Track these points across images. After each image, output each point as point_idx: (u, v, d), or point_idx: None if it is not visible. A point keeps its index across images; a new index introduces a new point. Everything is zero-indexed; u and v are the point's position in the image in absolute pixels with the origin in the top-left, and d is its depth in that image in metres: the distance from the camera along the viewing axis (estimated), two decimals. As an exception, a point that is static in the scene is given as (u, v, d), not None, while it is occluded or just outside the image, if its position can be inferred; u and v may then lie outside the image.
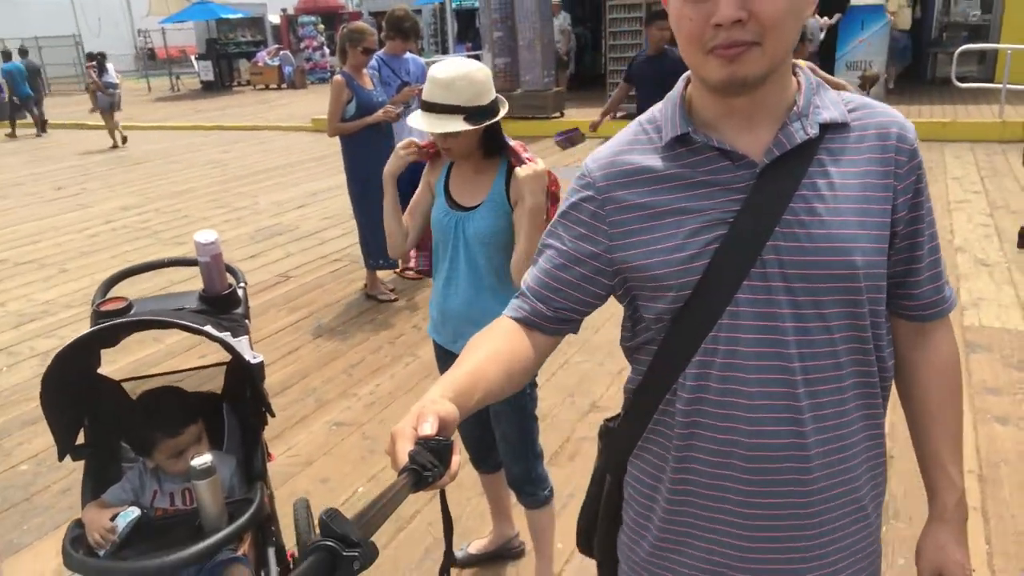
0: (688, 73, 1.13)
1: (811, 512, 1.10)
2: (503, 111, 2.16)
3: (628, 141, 1.17)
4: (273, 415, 2.17)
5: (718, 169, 1.07)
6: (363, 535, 0.74)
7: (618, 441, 1.27)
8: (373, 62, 5.36)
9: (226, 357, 2.19)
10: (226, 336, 2.01)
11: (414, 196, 2.41)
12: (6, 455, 3.63)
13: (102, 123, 14.34)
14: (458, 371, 1.08)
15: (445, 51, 17.26)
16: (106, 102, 13.68)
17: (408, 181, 2.52)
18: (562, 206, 1.20)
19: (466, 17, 18.29)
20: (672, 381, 1.13)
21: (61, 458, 1.98)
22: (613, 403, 3.78)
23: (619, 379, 3.97)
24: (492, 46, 12.62)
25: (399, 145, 2.32)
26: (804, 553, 1.12)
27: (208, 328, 1.96)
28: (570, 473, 3.23)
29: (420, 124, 2.09)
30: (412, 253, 2.54)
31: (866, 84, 10.38)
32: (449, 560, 1.15)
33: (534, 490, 2.42)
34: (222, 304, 2.24)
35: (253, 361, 2.06)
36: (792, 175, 1.05)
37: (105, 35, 31.47)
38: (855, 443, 1.11)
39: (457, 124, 2.05)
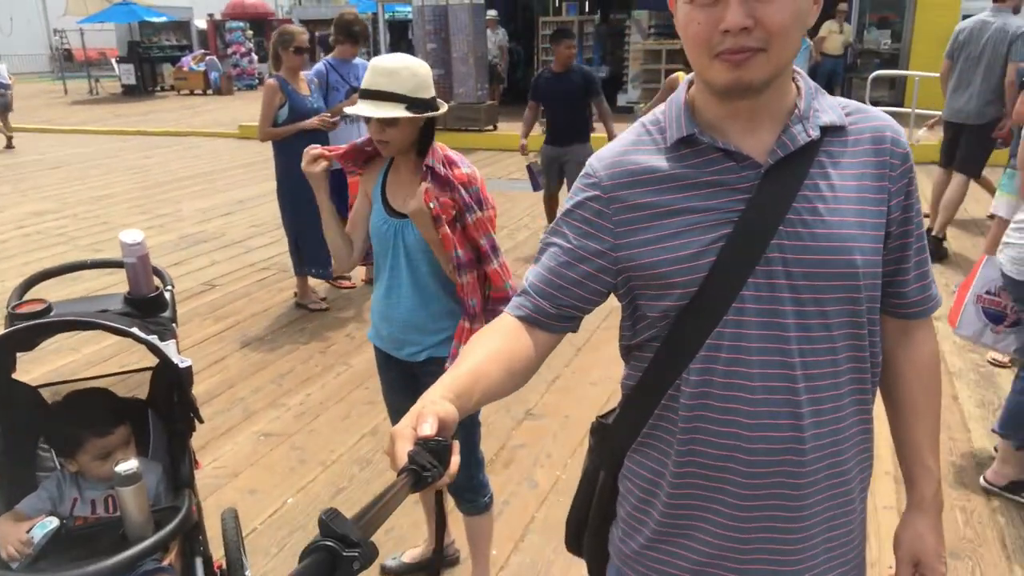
0: (690, 76, 1.16)
1: (803, 504, 1.14)
2: (442, 110, 2.16)
3: (632, 142, 1.19)
4: (201, 421, 2.10)
5: (723, 170, 1.10)
6: (363, 535, 0.74)
7: (615, 437, 1.27)
8: (320, 66, 5.29)
9: (152, 362, 2.11)
10: (153, 339, 1.94)
11: (353, 208, 2.37)
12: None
13: (12, 124, 13.67)
14: (458, 371, 1.08)
15: (377, 61, 17.10)
16: None
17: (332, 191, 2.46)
18: (567, 204, 1.21)
19: (399, 28, 18.24)
20: (676, 377, 1.14)
21: (-30, 466, 1.87)
22: (548, 410, 3.80)
23: (553, 387, 4.00)
24: (426, 58, 12.61)
25: (304, 158, 2.22)
26: (795, 545, 1.16)
27: (135, 330, 1.89)
28: (505, 480, 3.23)
29: (361, 109, 2.05)
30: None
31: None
32: (440, 558, 1.13)
33: (475, 496, 2.41)
34: (149, 307, 2.17)
35: (182, 365, 2.00)
36: (795, 176, 1.09)
37: (17, 33, 30.12)
38: (848, 436, 1.15)
39: (398, 111, 2.03)
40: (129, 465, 1.70)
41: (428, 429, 0.90)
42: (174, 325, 2.20)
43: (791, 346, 1.09)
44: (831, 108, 1.13)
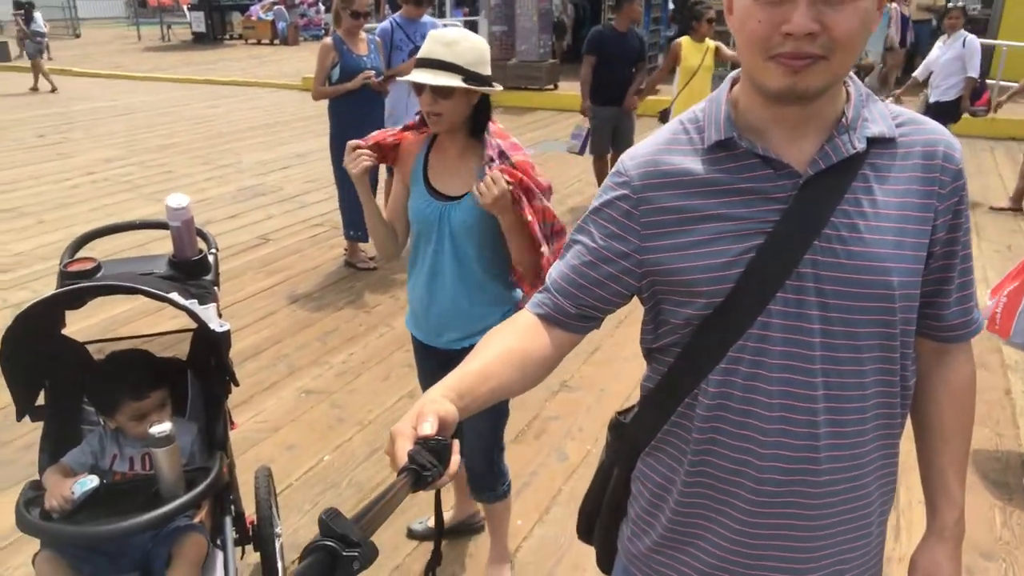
0: (735, 73, 1.11)
1: (815, 525, 1.12)
2: (498, 89, 2.09)
3: (667, 140, 1.14)
4: (237, 384, 2.17)
5: (760, 177, 1.05)
6: (363, 535, 0.75)
7: (631, 437, 1.27)
8: (387, 24, 5.22)
9: (193, 323, 2.18)
10: (192, 304, 2.00)
11: (390, 200, 2.31)
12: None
13: (87, 70, 14.08)
14: (465, 370, 1.08)
15: (442, 15, 17.00)
16: (33, 48, 14.61)
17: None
18: (595, 202, 1.18)
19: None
20: (694, 386, 1.12)
21: (19, 418, 1.97)
22: (584, 383, 3.81)
23: (591, 360, 4.00)
24: (489, 13, 12.46)
25: (346, 155, 2.12)
26: (805, 564, 1.14)
27: (173, 295, 1.95)
28: (535, 452, 3.26)
29: (417, 76, 1.97)
30: None
31: (861, 74, 10.34)
32: (436, 559, 1.15)
33: (494, 485, 2.42)
34: (191, 270, 2.23)
35: (219, 330, 2.05)
36: (836, 189, 1.04)
37: (95, -21, 30.74)
38: (870, 461, 1.11)
39: (456, 80, 1.95)
40: (163, 428, 1.78)
41: (428, 428, 0.91)
42: (216, 288, 2.26)
43: (815, 365, 1.05)
44: (881, 118, 1.07)
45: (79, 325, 2.19)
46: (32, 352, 1.99)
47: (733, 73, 1.12)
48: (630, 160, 1.15)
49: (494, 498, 2.45)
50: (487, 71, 2.04)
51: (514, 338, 1.16)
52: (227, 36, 24.12)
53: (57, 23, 26.19)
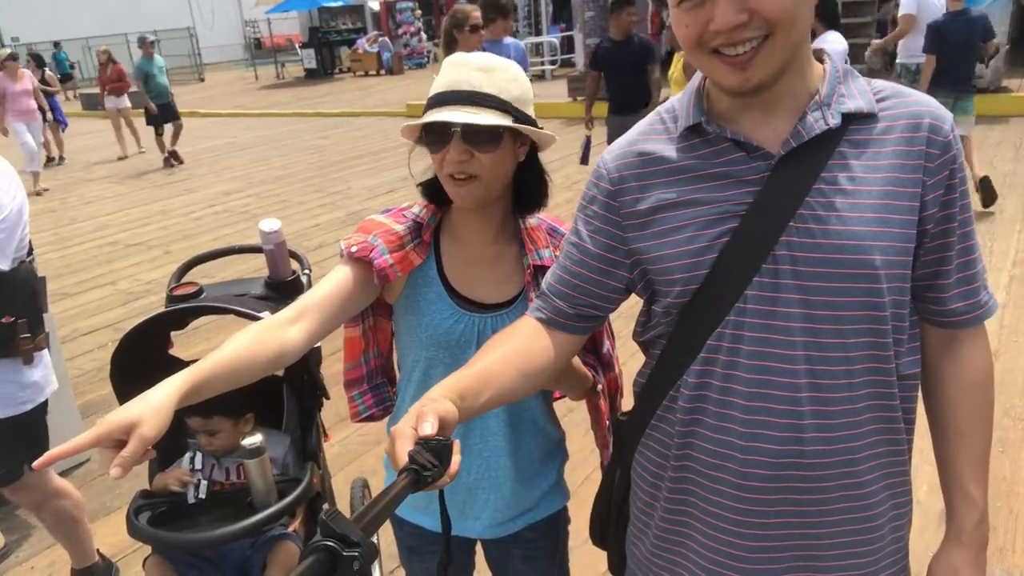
0: None
1: (811, 523, 1.07)
2: (551, 142, 1.40)
3: (644, 131, 1.14)
4: (328, 398, 2.25)
5: (732, 160, 1.03)
6: (363, 535, 0.75)
7: (626, 434, 1.26)
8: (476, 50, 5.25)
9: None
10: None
11: (334, 281, 1.41)
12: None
13: (210, 111, 15.04)
14: (466, 372, 1.08)
15: (539, 32, 17.19)
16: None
17: None
18: (581, 201, 1.18)
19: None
20: (677, 377, 1.11)
21: (132, 433, 2.12)
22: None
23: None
24: (584, 26, 12.50)
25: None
26: (803, 573, 1.09)
27: (264, 314, 2.04)
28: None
29: (446, 115, 1.28)
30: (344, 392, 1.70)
31: (983, 57, 9.66)
32: (448, 559, 1.16)
33: None
34: (286, 290, 2.33)
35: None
36: (810, 168, 1.00)
37: (217, 27, 33.06)
38: (867, 457, 1.05)
39: (505, 120, 1.29)
40: (254, 440, 1.86)
41: (429, 429, 0.91)
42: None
43: (795, 352, 1.00)
44: (860, 93, 1.02)
45: (196, 349, 2.31)
46: (140, 371, 2.13)
47: None
48: (608, 153, 1.15)
49: None
50: (532, 113, 1.38)
51: (516, 342, 1.16)
52: (336, 70, 25.31)
53: (184, 70, 28.30)
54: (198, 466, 2.05)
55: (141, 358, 2.10)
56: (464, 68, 1.33)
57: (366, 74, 23.91)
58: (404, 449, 0.88)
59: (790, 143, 0.99)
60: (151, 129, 11.38)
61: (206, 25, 32.45)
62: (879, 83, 1.06)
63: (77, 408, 3.72)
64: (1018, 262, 4.81)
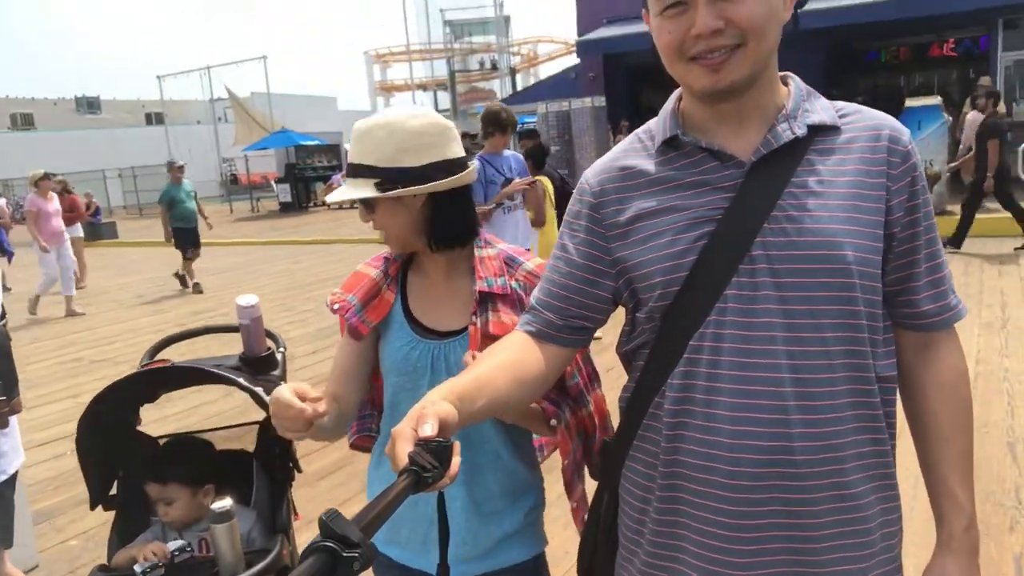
0: (680, 89, 1.18)
1: (804, 523, 1.06)
2: (453, 178, 1.43)
3: (623, 149, 1.21)
4: (300, 471, 2.19)
5: (707, 169, 1.09)
6: (363, 536, 0.75)
7: (614, 453, 1.24)
8: (475, 162, 5.29)
9: (259, 416, 2.24)
10: (259, 390, 2.06)
11: (335, 361, 1.59)
12: (58, 531, 3.75)
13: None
14: (462, 377, 1.09)
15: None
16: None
17: None
18: (565, 218, 1.23)
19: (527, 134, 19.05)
20: (662, 383, 1.12)
21: (92, 507, 2.03)
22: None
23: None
24: (552, 157, 13.08)
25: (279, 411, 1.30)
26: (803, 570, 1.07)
27: (240, 379, 2.02)
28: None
29: (337, 194, 1.51)
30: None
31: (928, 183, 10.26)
32: (444, 568, 1.12)
33: None
34: (260, 365, 2.31)
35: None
36: (781, 173, 1.06)
37: (194, 164, 33.87)
38: (851, 456, 1.06)
39: (365, 190, 1.42)
40: (223, 503, 1.79)
41: (429, 430, 0.91)
42: (283, 383, 2.34)
43: (777, 347, 1.03)
44: (823, 109, 1.11)
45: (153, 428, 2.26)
46: (106, 444, 2.06)
47: (679, 90, 1.18)
48: (590, 171, 1.22)
49: None
50: (426, 159, 1.42)
51: (508, 352, 1.18)
52: (311, 204, 25.89)
53: (157, 205, 28.71)
54: (175, 541, 1.96)
55: (108, 429, 2.04)
56: (352, 139, 1.48)
57: (340, 207, 24.46)
58: (404, 450, 0.88)
59: (760, 151, 1.07)
60: (97, 266, 11.03)
61: (183, 161, 33.26)
62: (840, 103, 1.15)
63: (30, 514, 3.53)
64: (981, 360, 4.92)
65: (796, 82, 1.14)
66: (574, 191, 1.24)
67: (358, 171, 1.44)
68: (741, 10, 1.00)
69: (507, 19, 23.87)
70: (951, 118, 11.34)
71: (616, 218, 1.15)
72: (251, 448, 2.34)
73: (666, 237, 1.09)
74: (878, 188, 1.07)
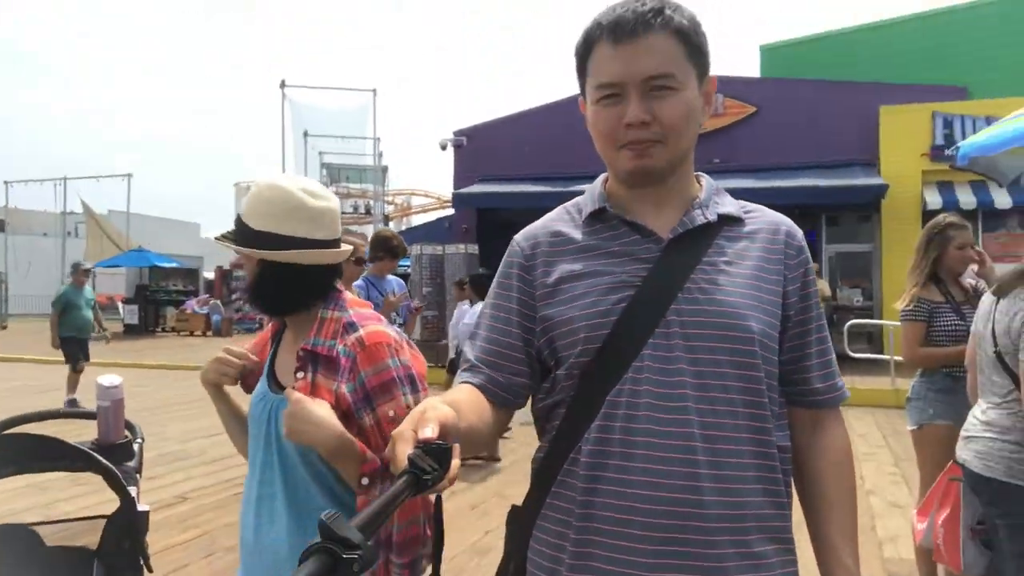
0: (606, 174, 1.29)
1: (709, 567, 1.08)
2: (276, 252, 1.50)
3: (552, 218, 1.31)
4: (151, 570, 1.96)
5: (629, 241, 1.20)
6: (363, 538, 0.74)
7: (522, 517, 1.24)
8: (360, 282, 5.12)
9: (105, 511, 2.02)
10: (118, 473, 1.87)
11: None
12: None
13: (10, 355, 13.84)
14: (445, 399, 1.07)
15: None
16: None
17: None
18: (496, 279, 1.29)
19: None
20: (579, 439, 1.15)
21: None
22: None
23: None
24: (423, 298, 13.20)
25: (221, 356, 1.67)
26: None
27: (95, 455, 1.83)
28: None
29: (221, 232, 1.63)
30: None
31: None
32: (436, 570, 1.08)
33: None
34: (116, 453, 2.12)
35: (140, 509, 1.91)
36: (694, 251, 1.18)
37: (34, 276, 31.57)
38: (755, 516, 1.12)
39: (222, 234, 1.58)
40: None
41: (429, 432, 0.90)
42: (138, 476, 2.14)
43: (689, 404, 1.11)
44: (731, 203, 1.26)
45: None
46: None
47: (605, 174, 1.31)
48: (520, 236, 1.31)
49: None
50: (284, 228, 1.50)
51: (467, 392, 1.19)
52: (160, 328, 24.47)
53: (-14, 316, 26.28)
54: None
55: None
56: None
57: (191, 334, 23.29)
58: (404, 452, 0.87)
59: (677, 230, 1.19)
60: None
61: (20, 273, 30.91)
62: (743, 202, 1.30)
63: None
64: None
65: (708, 180, 1.29)
66: (504, 256, 1.30)
67: (237, 220, 1.58)
68: (665, 108, 1.15)
69: (385, 169, 24.61)
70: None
71: (544, 279, 1.22)
72: (94, 547, 2.07)
73: (591, 297, 1.17)
74: (777, 273, 1.20)
